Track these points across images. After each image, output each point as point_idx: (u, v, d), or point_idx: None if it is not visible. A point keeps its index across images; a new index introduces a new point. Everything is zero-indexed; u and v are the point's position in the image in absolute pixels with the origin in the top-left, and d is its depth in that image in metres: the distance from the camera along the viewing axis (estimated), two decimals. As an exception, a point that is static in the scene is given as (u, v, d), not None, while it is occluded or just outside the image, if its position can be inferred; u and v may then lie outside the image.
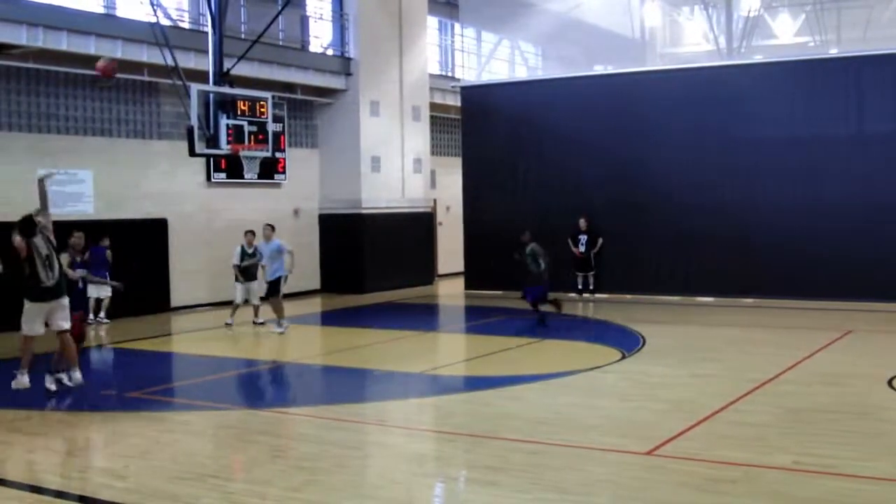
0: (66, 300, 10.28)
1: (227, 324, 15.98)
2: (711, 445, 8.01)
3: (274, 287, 15.66)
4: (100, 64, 14.05)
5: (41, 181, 10.51)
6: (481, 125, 22.11)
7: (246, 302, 16.22)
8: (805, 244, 18.31)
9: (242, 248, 16.14)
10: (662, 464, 7.55)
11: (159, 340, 15.83)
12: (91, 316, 16.63)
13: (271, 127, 15.83)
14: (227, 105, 15.01)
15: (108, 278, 16.45)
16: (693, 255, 19.57)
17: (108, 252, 16.50)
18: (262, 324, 16.22)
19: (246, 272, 16.10)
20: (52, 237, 10.22)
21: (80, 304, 11.48)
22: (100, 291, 16.52)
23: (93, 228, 16.84)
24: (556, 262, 20.41)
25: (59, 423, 9.52)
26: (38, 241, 10.06)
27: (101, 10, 17.18)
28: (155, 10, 15.89)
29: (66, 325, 10.27)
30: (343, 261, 22.11)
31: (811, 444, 8.07)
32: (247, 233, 16.31)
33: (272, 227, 16.15)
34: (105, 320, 16.77)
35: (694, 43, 37.39)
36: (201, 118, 14.73)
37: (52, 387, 10.57)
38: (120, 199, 17.91)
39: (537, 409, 9.72)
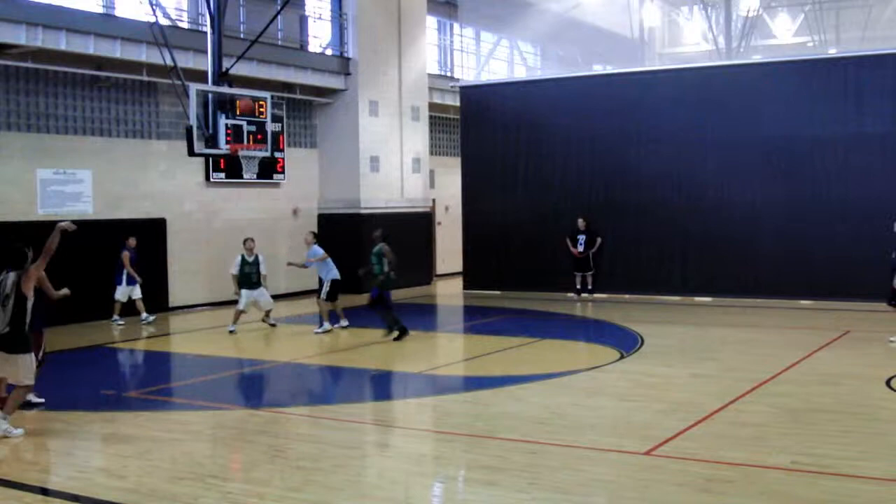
0: (18, 357, 8.86)
1: (230, 331, 15.58)
2: (710, 445, 8.02)
3: (321, 289, 15.68)
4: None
5: (61, 232, 9.22)
6: (480, 125, 22.12)
7: (251, 307, 16.01)
8: (803, 244, 18.32)
9: (242, 256, 15.78)
10: (661, 464, 7.56)
11: (158, 340, 15.83)
12: (116, 316, 16.73)
13: (270, 127, 15.83)
14: (225, 105, 15.01)
15: (126, 279, 16.54)
16: (692, 255, 19.58)
17: (125, 253, 16.55)
18: (273, 325, 16.12)
19: (247, 280, 15.72)
20: (25, 286, 8.87)
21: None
22: (130, 293, 16.67)
23: (93, 228, 16.92)
24: (554, 262, 20.59)
25: (59, 423, 9.51)
26: (8, 278, 8.93)
27: (100, 10, 17.16)
28: (154, 10, 15.88)
29: (25, 381, 8.94)
30: (342, 261, 22.04)
31: (809, 445, 8.08)
32: (246, 241, 15.95)
33: (314, 234, 16.37)
34: (150, 317, 16.92)
35: (693, 43, 37.40)
36: (200, 118, 14.73)
37: None
38: (119, 198, 17.90)
39: (536, 409, 9.72)
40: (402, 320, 14.60)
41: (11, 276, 8.94)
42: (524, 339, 14.68)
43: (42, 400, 10.06)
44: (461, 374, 12.62)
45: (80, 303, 16.55)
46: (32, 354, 9.07)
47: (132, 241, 16.74)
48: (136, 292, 16.83)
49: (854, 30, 32.87)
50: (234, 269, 15.80)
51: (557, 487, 6.99)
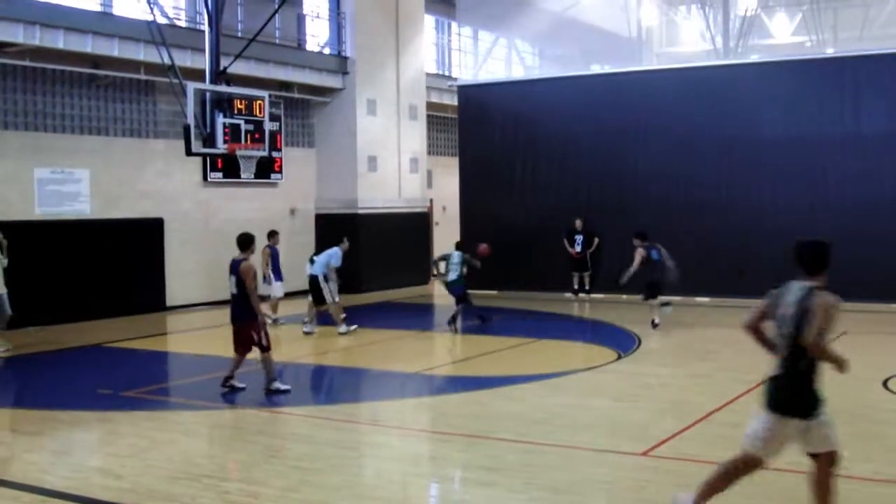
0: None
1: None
2: (707, 446, 8.02)
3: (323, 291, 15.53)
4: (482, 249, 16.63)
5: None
6: (478, 124, 22.10)
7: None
8: (801, 244, 18.30)
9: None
10: (658, 464, 7.56)
11: (154, 340, 15.80)
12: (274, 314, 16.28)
13: (268, 126, 15.81)
14: (223, 104, 15.00)
15: (277, 276, 16.26)
16: (689, 255, 19.50)
17: (265, 249, 15.95)
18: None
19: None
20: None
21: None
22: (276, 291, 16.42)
23: (93, 227, 16.95)
24: (552, 262, 20.54)
25: (56, 423, 9.51)
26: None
27: (98, 9, 17.15)
28: (152, 9, 15.86)
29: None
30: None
31: (806, 445, 8.07)
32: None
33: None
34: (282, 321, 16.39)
35: (691, 42, 37.38)
36: (198, 117, 14.72)
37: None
38: (116, 198, 17.88)
39: (533, 409, 9.73)
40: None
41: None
42: (521, 339, 14.68)
43: (244, 385, 10.73)
44: (458, 374, 12.62)
45: (79, 302, 16.69)
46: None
47: (276, 239, 16.30)
48: (275, 290, 16.38)
49: (852, 29, 32.87)
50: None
51: (554, 488, 6.99)
